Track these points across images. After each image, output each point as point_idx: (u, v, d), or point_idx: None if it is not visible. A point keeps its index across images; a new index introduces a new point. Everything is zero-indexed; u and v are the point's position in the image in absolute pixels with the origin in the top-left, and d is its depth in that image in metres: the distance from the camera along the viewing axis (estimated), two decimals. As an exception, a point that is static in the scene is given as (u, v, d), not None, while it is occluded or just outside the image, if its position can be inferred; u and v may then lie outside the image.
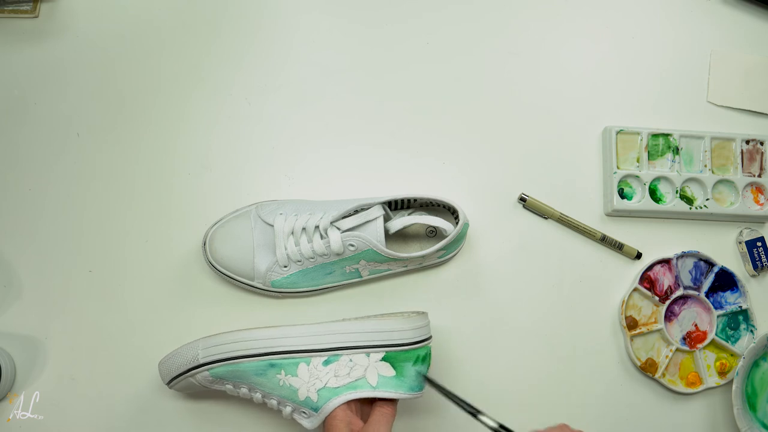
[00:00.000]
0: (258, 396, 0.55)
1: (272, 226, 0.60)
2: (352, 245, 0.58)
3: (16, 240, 0.64)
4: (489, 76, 0.71)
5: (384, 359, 0.54)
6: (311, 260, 0.60)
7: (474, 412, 0.48)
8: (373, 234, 0.58)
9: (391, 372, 0.54)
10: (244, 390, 0.55)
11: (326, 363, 0.54)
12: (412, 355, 0.55)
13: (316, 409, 0.53)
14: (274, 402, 0.55)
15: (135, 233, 0.64)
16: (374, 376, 0.53)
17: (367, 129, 0.68)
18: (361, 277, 0.63)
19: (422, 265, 0.64)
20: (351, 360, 0.54)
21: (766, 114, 0.73)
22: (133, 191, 0.66)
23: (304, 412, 0.54)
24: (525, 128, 0.70)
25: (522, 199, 0.67)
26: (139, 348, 0.62)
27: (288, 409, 0.54)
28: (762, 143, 0.70)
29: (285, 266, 0.60)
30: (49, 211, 0.65)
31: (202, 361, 0.54)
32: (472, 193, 0.67)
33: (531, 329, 0.65)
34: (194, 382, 0.55)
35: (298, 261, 0.60)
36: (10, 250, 0.64)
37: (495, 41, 0.72)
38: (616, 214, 0.68)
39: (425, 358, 0.56)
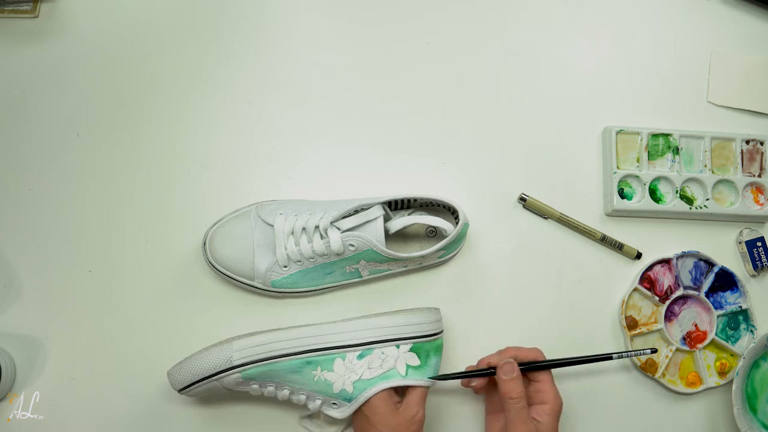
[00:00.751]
0: (285, 393, 0.57)
1: (272, 226, 0.60)
2: (352, 245, 0.58)
3: (16, 240, 0.64)
4: (489, 76, 0.71)
5: (411, 350, 0.58)
6: (311, 260, 0.60)
7: (491, 372, 0.58)
8: (373, 234, 0.58)
9: (417, 362, 0.57)
10: (270, 389, 0.56)
11: (360, 357, 0.57)
12: (433, 345, 0.59)
13: (349, 400, 0.56)
14: (302, 397, 0.57)
15: (135, 233, 0.64)
16: (403, 366, 0.57)
17: (367, 129, 0.68)
18: (361, 277, 0.62)
19: (422, 265, 0.64)
20: (383, 352, 0.57)
21: (766, 114, 0.73)
22: (133, 191, 0.66)
23: (334, 404, 0.57)
24: (525, 128, 0.70)
25: (522, 199, 0.67)
26: (139, 348, 0.62)
27: (317, 402, 0.57)
28: (762, 143, 0.70)
29: (285, 266, 0.60)
30: (49, 211, 0.65)
31: (236, 363, 0.55)
32: (472, 193, 0.67)
33: (531, 329, 0.65)
34: (219, 385, 0.55)
35: (298, 261, 0.60)
36: (10, 250, 0.64)
37: (495, 41, 0.72)
38: (616, 214, 0.68)
39: (441, 349, 0.60)
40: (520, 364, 0.57)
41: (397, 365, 0.57)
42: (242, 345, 0.55)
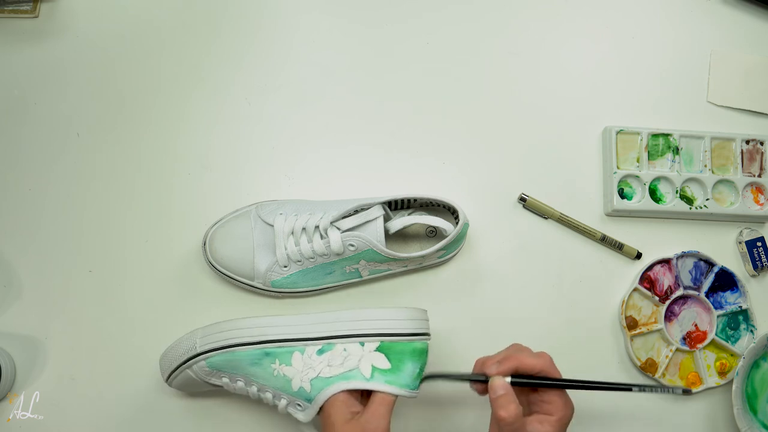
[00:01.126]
0: (254, 390, 0.54)
1: (272, 226, 0.60)
2: (352, 245, 0.58)
3: (16, 240, 0.64)
4: (489, 76, 0.71)
5: (379, 349, 0.52)
6: (311, 260, 0.60)
7: (484, 380, 0.51)
8: (373, 234, 0.58)
9: (386, 364, 0.52)
10: (240, 384, 0.55)
11: (320, 352, 0.52)
12: (408, 347, 0.53)
13: (309, 400, 0.52)
14: (269, 395, 0.54)
15: (135, 233, 0.64)
16: (368, 368, 0.51)
17: (367, 129, 0.68)
18: (361, 277, 0.62)
19: (422, 265, 0.64)
20: (345, 349, 0.52)
21: (766, 114, 0.73)
22: (133, 191, 0.66)
23: (298, 404, 0.53)
24: (525, 128, 0.70)
25: (522, 199, 0.67)
26: (139, 348, 0.62)
27: (283, 402, 0.53)
28: (762, 143, 0.70)
29: (285, 266, 0.60)
30: (49, 211, 0.65)
31: (199, 350, 0.54)
32: (472, 193, 0.67)
33: (531, 329, 0.65)
34: (192, 374, 0.55)
35: (298, 261, 0.60)
36: (10, 250, 0.64)
37: (495, 41, 0.72)
38: (616, 214, 0.68)
39: (422, 355, 0.53)
40: (518, 376, 0.50)
41: (360, 365, 0.51)
42: (205, 332, 0.55)
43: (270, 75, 0.69)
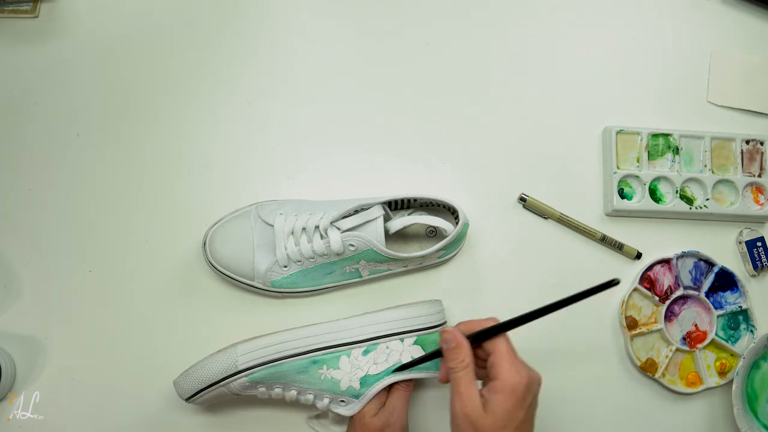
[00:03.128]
0: (292, 393, 0.57)
1: (272, 226, 0.60)
2: (352, 245, 0.58)
3: (16, 240, 0.64)
4: (489, 76, 0.71)
5: (416, 343, 0.58)
6: (311, 260, 0.60)
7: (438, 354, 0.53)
8: (373, 234, 0.58)
9: (421, 353, 0.57)
10: (277, 390, 0.56)
11: (365, 353, 0.57)
12: (437, 336, 0.58)
13: (357, 396, 0.56)
14: (310, 396, 0.57)
15: (135, 233, 0.64)
16: (408, 359, 0.57)
17: (367, 129, 0.68)
18: (361, 277, 0.62)
19: (422, 265, 0.64)
20: (388, 347, 0.57)
21: (766, 114, 0.73)
22: (132, 191, 0.66)
23: (342, 401, 0.57)
24: (525, 128, 0.70)
25: (522, 199, 0.67)
26: (139, 348, 0.62)
27: (325, 401, 0.57)
28: (762, 143, 0.70)
29: (285, 266, 0.60)
30: (49, 211, 0.65)
31: (241, 367, 0.55)
32: (472, 193, 0.67)
33: (530, 329, 0.65)
34: (226, 390, 0.55)
35: (298, 261, 0.60)
36: (10, 250, 0.64)
37: (495, 41, 0.72)
38: (616, 214, 0.68)
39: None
40: (469, 336, 0.50)
41: (402, 359, 0.57)
42: (246, 349, 0.55)
43: (270, 75, 0.69)
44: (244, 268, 0.60)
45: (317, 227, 0.59)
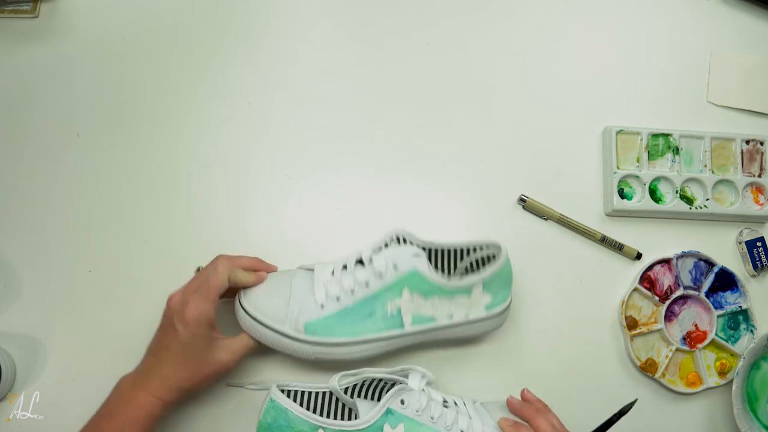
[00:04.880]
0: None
1: (312, 270, 0.58)
2: (396, 265, 0.55)
3: (16, 240, 0.64)
4: (489, 76, 0.71)
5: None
6: (351, 294, 0.55)
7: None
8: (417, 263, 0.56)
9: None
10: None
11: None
12: None
13: None
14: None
15: (135, 233, 0.64)
16: None
17: (367, 129, 0.68)
18: (403, 327, 0.56)
19: (468, 320, 0.58)
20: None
21: (766, 114, 0.73)
22: (132, 191, 0.66)
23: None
24: (525, 128, 0.70)
25: (522, 200, 0.67)
26: (140, 348, 0.62)
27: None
28: (762, 143, 0.70)
29: (322, 305, 0.55)
30: (49, 211, 0.65)
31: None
32: (472, 193, 0.67)
33: (531, 329, 0.65)
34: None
35: (337, 298, 0.55)
36: (10, 250, 0.64)
37: (495, 42, 0.72)
38: (616, 214, 0.68)
39: None
40: None
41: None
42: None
43: (270, 75, 0.69)
44: (277, 309, 0.55)
45: (359, 261, 0.57)
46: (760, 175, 0.70)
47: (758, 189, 0.70)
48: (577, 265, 0.67)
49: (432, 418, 0.53)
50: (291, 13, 0.71)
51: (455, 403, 0.57)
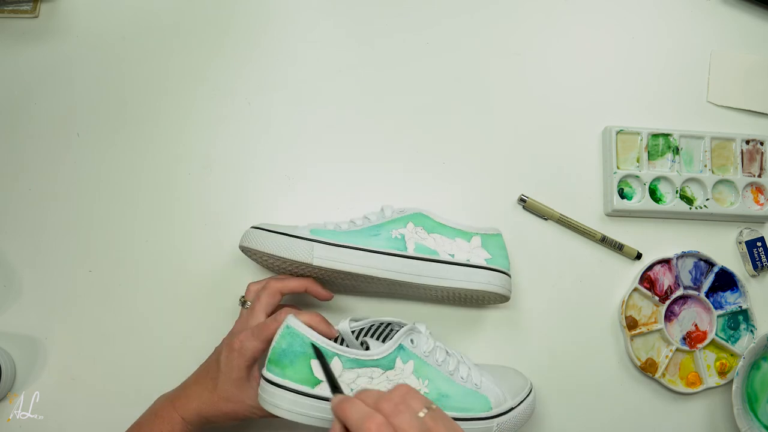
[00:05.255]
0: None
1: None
2: (402, 210, 0.60)
3: (16, 240, 0.64)
4: (489, 76, 0.71)
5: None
6: (359, 223, 0.59)
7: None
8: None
9: None
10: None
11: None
12: None
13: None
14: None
15: (135, 233, 0.65)
16: None
17: (367, 128, 0.68)
18: (406, 249, 0.58)
19: (469, 262, 0.60)
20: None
21: (766, 114, 0.73)
22: (132, 191, 0.66)
23: None
24: (525, 128, 0.70)
25: (522, 200, 0.67)
26: (140, 348, 0.62)
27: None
28: (762, 143, 0.70)
29: (328, 226, 0.59)
30: (49, 211, 0.65)
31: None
32: (472, 193, 0.67)
33: (531, 329, 0.65)
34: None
35: (346, 224, 0.60)
36: (10, 250, 0.64)
37: (495, 42, 0.72)
38: (616, 214, 0.68)
39: None
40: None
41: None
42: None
43: (270, 75, 0.69)
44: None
45: (366, 217, 0.60)
46: (760, 175, 0.70)
47: (758, 189, 0.70)
48: (577, 265, 0.67)
49: (437, 361, 0.55)
50: (291, 13, 0.71)
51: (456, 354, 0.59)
